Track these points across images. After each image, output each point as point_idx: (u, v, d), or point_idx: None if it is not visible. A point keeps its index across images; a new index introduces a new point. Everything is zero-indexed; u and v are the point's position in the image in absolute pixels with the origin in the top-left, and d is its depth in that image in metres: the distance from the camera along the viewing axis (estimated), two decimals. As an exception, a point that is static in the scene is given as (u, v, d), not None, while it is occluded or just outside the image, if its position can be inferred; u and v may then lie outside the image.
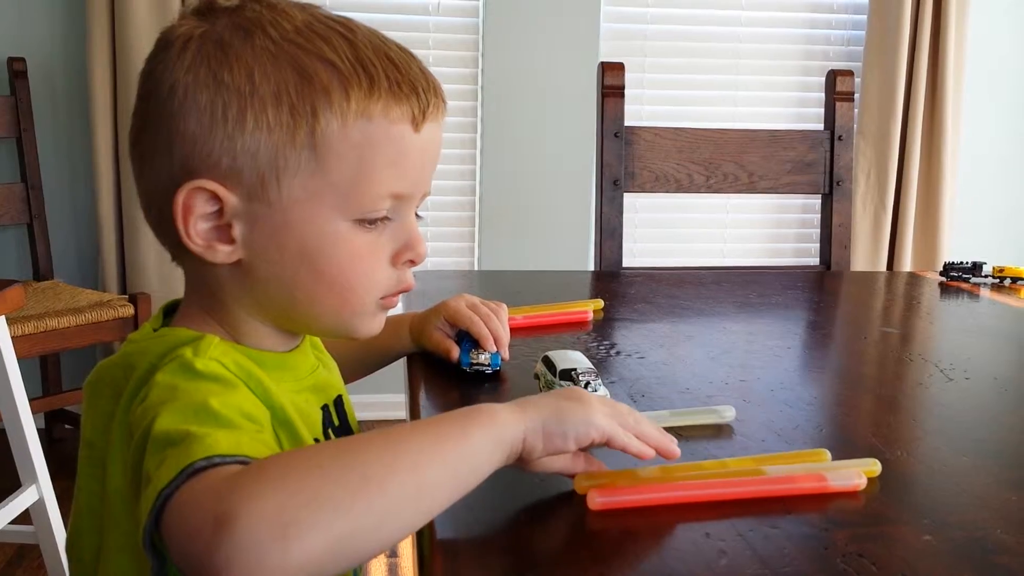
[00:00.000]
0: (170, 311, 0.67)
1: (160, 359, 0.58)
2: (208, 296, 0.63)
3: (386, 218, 0.62)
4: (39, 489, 1.59)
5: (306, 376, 0.67)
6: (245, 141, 0.57)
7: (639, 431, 0.58)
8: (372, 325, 0.65)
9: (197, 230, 0.59)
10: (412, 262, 0.64)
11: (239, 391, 0.57)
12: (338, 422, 0.70)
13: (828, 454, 0.64)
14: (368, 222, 0.61)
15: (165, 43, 0.61)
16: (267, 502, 0.43)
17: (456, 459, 0.50)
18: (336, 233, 0.60)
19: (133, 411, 0.55)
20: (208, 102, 0.58)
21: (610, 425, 0.57)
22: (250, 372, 0.60)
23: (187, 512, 0.45)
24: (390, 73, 0.59)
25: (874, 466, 0.63)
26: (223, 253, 0.59)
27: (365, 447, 0.48)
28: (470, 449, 0.51)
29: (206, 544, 0.42)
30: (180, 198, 0.58)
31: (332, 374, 0.73)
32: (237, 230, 0.59)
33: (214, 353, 0.58)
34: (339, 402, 0.71)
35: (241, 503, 0.43)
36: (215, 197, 0.58)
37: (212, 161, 0.58)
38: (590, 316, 1.06)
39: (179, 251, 0.62)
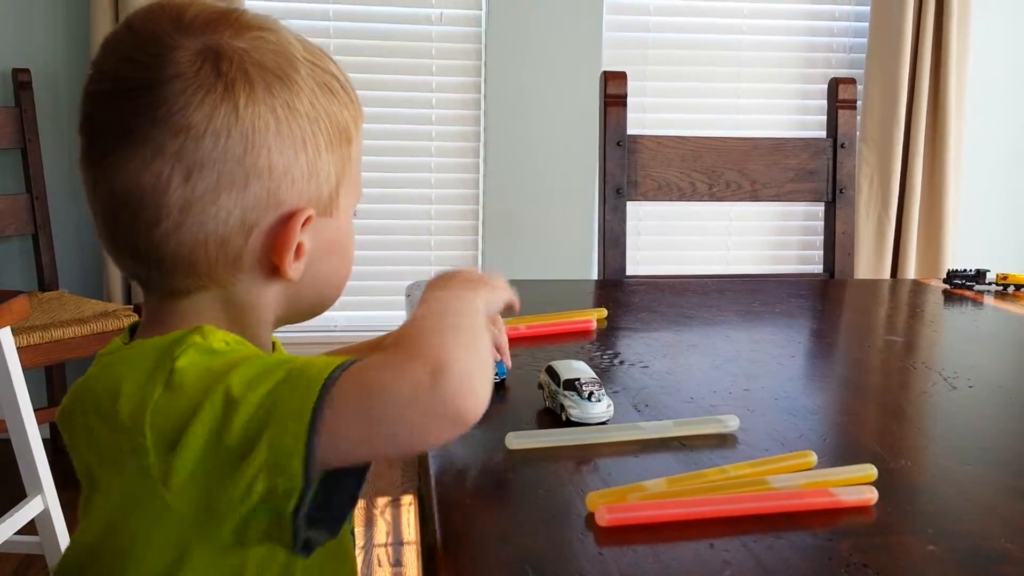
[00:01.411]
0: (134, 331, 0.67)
1: (159, 358, 0.57)
2: (236, 312, 0.64)
3: None
4: (44, 499, 1.59)
5: None
6: (321, 163, 0.63)
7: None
8: None
9: (290, 257, 0.62)
10: None
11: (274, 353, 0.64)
12: None
13: (814, 455, 0.65)
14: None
15: (180, 74, 0.58)
16: (458, 352, 0.55)
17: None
18: (352, 226, 0.69)
19: (155, 410, 0.55)
20: (289, 133, 0.61)
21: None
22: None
23: (380, 386, 0.54)
24: (350, 82, 0.68)
25: (870, 471, 0.63)
26: (296, 270, 0.63)
27: (451, 318, 0.61)
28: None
29: (429, 391, 0.53)
30: (291, 230, 0.62)
31: None
32: (307, 245, 0.63)
33: (219, 335, 0.60)
34: None
35: (444, 357, 0.54)
36: (307, 221, 0.63)
37: (300, 188, 0.62)
38: (594, 325, 1.06)
39: (215, 280, 0.63)
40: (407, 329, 0.60)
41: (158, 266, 0.62)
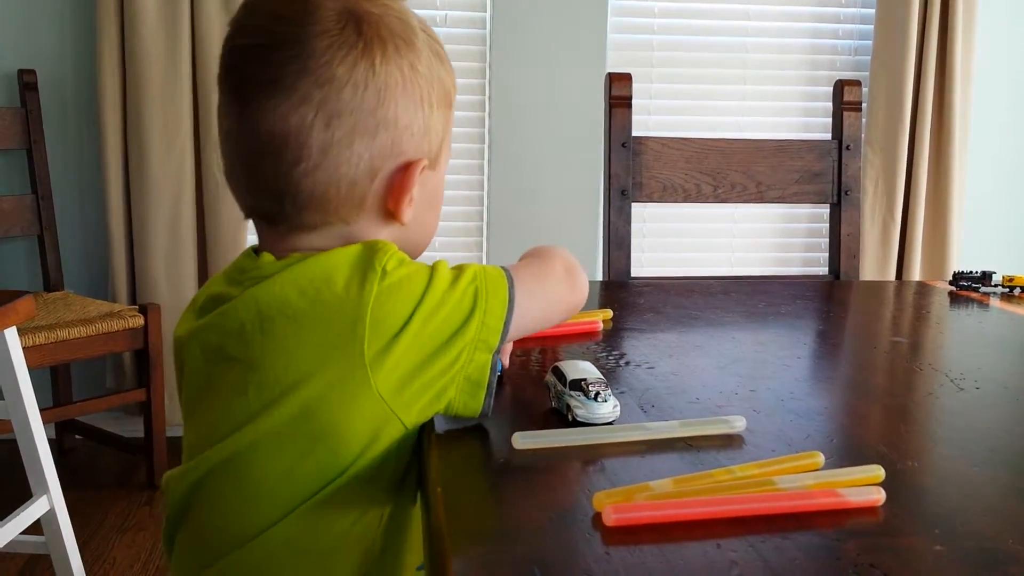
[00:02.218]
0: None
1: (362, 264, 0.66)
2: None
3: None
4: (50, 499, 1.60)
5: None
6: (434, 120, 0.72)
7: None
8: None
9: (407, 202, 0.71)
10: None
11: None
12: None
13: (821, 456, 0.65)
14: None
15: (326, 31, 0.67)
16: (572, 263, 0.82)
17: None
18: (444, 179, 0.79)
19: (377, 304, 0.64)
20: (410, 90, 0.70)
21: None
22: None
23: (544, 274, 0.78)
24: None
25: (877, 471, 0.63)
26: (409, 215, 0.72)
27: (545, 269, 0.80)
28: None
29: (570, 278, 0.80)
30: (411, 177, 0.71)
31: None
32: (416, 193, 0.72)
33: (396, 248, 0.70)
34: None
35: (566, 263, 0.81)
36: (422, 170, 0.71)
37: (417, 141, 0.71)
38: (599, 326, 1.06)
39: (341, 218, 0.71)
40: (534, 251, 0.83)
41: (292, 202, 0.69)
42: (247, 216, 0.75)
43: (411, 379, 0.66)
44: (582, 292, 0.81)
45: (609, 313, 1.11)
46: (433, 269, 0.69)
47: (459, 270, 0.70)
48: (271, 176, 0.69)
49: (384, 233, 0.73)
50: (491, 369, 0.69)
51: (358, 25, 0.68)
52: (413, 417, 0.67)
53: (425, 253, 2.68)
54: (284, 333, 0.65)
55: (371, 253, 0.67)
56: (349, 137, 0.68)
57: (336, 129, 0.67)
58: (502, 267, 0.73)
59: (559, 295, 0.78)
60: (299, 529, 0.67)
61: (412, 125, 0.70)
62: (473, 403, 0.69)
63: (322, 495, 0.66)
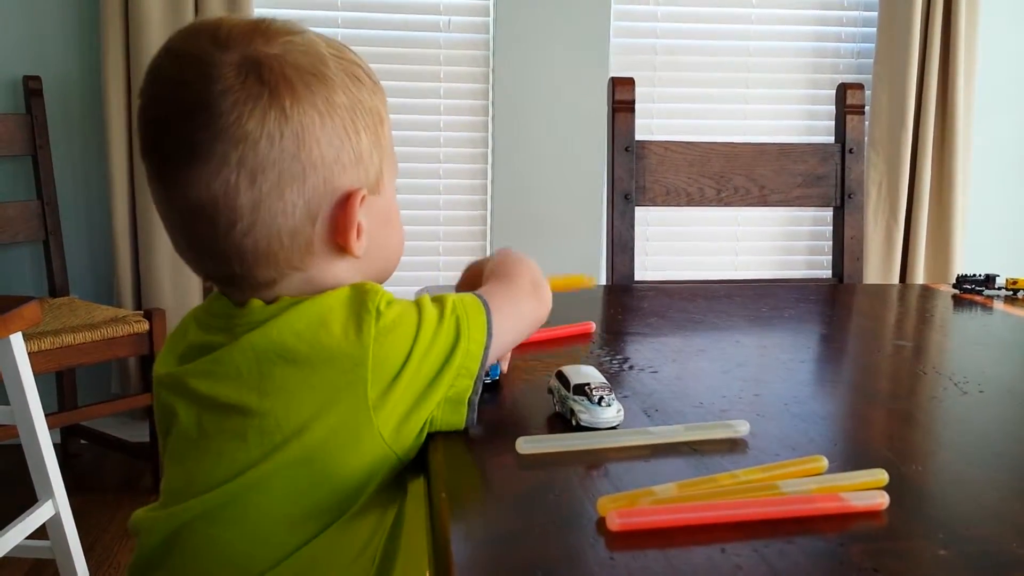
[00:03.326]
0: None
1: (355, 306, 0.67)
2: (316, 293, 0.70)
3: None
4: (55, 504, 1.60)
5: None
6: (364, 147, 0.70)
7: None
8: None
9: (353, 235, 0.70)
10: None
11: None
12: None
13: (825, 460, 0.65)
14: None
15: (228, 86, 0.64)
16: (537, 278, 0.84)
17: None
18: (395, 197, 0.78)
19: (378, 344, 0.65)
20: (332, 126, 0.68)
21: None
22: None
23: (515, 295, 0.80)
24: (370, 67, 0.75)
25: (881, 476, 0.63)
26: (360, 246, 0.71)
27: (514, 288, 0.81)
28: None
29: (537, 295, 0.82)
30: (351, 210, 0.69)
31: None
32: (364, 223, 0.71)
33: (381, 288, 0.70)
34: None
35: (532, 278, 0.83)
36: (362, 201, 0.70)
37: (351, 173, 0.70)
38: (593, 328, 1.07)
39: (291, 266, 0.70)
40: (500, 263, 0.84)
41: (240, 263, 0.68)
42: (206, 280, 0.75)
43: (408, 416, 0.67)
44: (548, 304, 0.83)
45: (592, 280, 1.06)
46: (420, 306, 0.69)
47: (440, 303, 0.71)
48: (211, 242, 0.68)
49: (343, 268, 0.72)
50: (474, 389, 0.70)
51: (259, 73, 0.65)
52: (406, 451, 0.69)
53: (430, 258, 2.67)
54: (284, 378, 0.65)
55: (362, 295, 0.68)
56: (278, 189, 0.66)
57: (262, 184, 0.66)
58: (476, 294, 0.74)
59: (529, 312, 0.80)
60: (296, 571, 0.66)
61: (341, 158, 0.69)
62: (455, 419, 0.70)
63: (321, 536, 0.67)
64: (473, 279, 0.88)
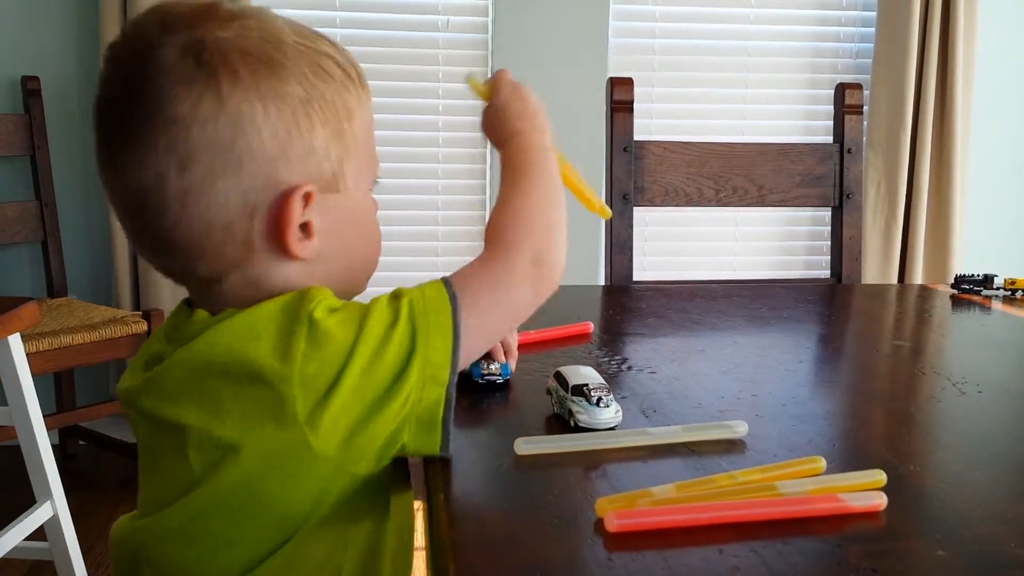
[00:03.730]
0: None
1: (288, 316, 0.61)
2: (265, 297, 0.65)
3: None
4: (54, 505, 1.60)
5: None
6: (317, 141, 0.65)
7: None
8: None
9: (294, 234, 0.64)
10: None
11: None
12: None
13: (823, 461, 0.65)
14: (375, 183, 0.73)
15: (169, 67, 0.61)
16: (547, 238, 0.71)
17: (556, 176, 0.78)
18: (370, 201, 0.73)
19: (305, 358, 0.59)
20: (277, 115, 0.63)
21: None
22: None
23: (498, 281, 0.68)
24: (352, 60, 0.70)
25: (879, 476, 0.63)
26: (310, 249, 0.66)
27: (536, 197, 0.74)
28: (554, 168, 0.79)
29: (536, 278, 0.69)
30: (289, 208, 0.63)
31: None
32: (316, 223, 0.65)
33: (328, 292, 0.65)
34: None
35: (540, 246, 0.70)
36: (307, 198, 0.64)
37: (297, 168, 0.64)
38: (591, 328, 1.07)
39: (234, 265, 0.65)
40: (500, 218, 0.72)
41: (174, 255, 0.65)
42: (164, 275, 0.70)
43: (357, 431, 0.61)
44: (551, 281, 0.70)
45: (607, 213, 1.01)
46: (367, 311, 0.63)
47: (396, 303, 0.63)
48: (147, 231, 0.65)
49: (294, 271, 0.67)
50: (446, 405, 0.63)
51: (199, 55, 0.61)
52: (365, 467, 0.63)
53: (428, 259, 2.65)
54: (216, 393, 0.61)
55: (299, 303, 0.62)
56: (210, 178, 0.62)
57: (194, 172, 0.62)
58: (446, 283, 0.65)
59: (521, 298, 0.69)
60: None
61: (287, 152, 0.63)
62: (429, 444, 0.64)
63: (278, 553, 0.63)
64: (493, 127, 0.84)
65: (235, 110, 0.61)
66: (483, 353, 0.74)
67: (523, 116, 0.82)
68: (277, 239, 0.64)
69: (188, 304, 0.70)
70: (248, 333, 0.61)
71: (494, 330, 0.70)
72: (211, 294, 0.67)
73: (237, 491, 0.62)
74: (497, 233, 0.71)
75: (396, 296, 0.64)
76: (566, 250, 0.72)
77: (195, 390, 0.62)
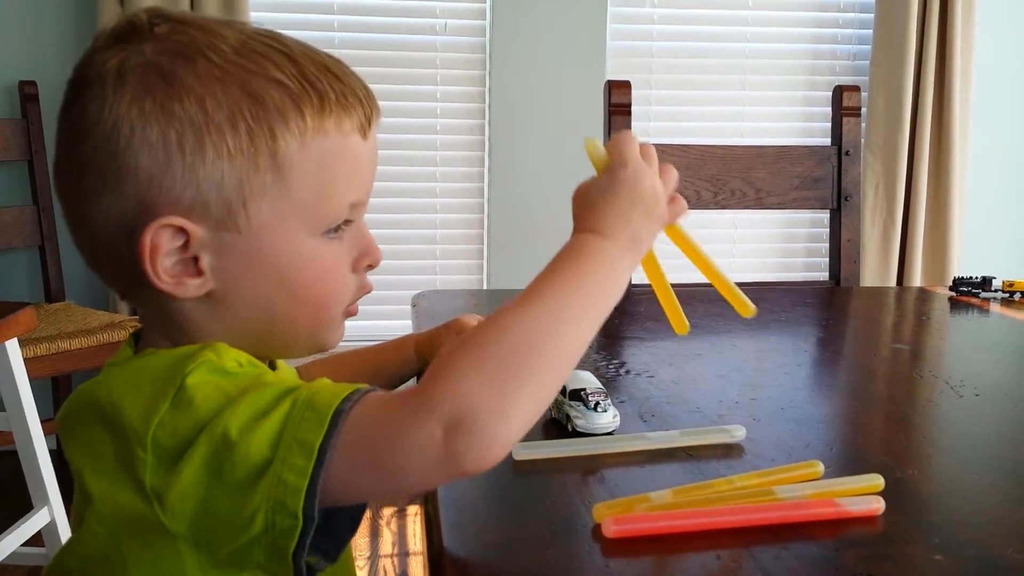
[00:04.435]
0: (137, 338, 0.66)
1: (171, 372, 0.55)
2: (175, 330, 0.61)
3: (348, 221, 0.62)
4: (51, 511, 1.60)
5: None
6: (207, 171, 0.57)
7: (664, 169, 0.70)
8: (338, 335, 0.65)
9: (164, 267, 0.57)
10: (371, 266, 0.65)
11: (277, 372, 0.60)
12: None
13: (821, 465, 0.65)
14: (333, 230, 0.61)
15: (93, 77, 0.58)
16: (479, 401, 0.50)
17: (599, 310, 0.59)
18: (306, 250, 0.60)
19: (160, 424, 0.53)
20: (160, 136, 0.56)
21: (661, 184, 0.71)
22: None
23: (391, 437, 0.51)
24: (335, 85, 0.60)
25: (877, 480, 0.63)
26: (192, 287, 0.58)
27: (529, 325, 0.55)
28: (606, 299, 0.60)
29: (441, 449, 0.49)
30: (147, 237, 0.56)
31: None
32: (205, 261, 0.58)
33: (232, 354, 0.57)
34: None
35: (467, 408, 0.50)
36: (181, 231, 0.57)
37: (174, 195, 0.57)
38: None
39: (133, 288, 0.61)
40: (473, 335, 0.54)
41: (95, 270, 0.63)
42: None
43: (203, 518, 0.53)
44: (473, 460, 0.50)
45: None
46: (252, 386, 0.54)
47: (283, 394, 0.53)
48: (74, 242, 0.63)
49: (197, 312, 0.60)
50: (298, 542, 0.51)
51: (120, 68, 0.58)
52: (225, 556, 0.54)
53: (427, 262, 2.63)
54: (95, 437, 0.57)
55: (184, 360, 0.55)
56: (97, 191, 0.58)
57: (84, 183, 0.58)
58: (349, 400, 0.52)
59: (409, 469, 0.51)
60: None
61: (164, 177, 0.56)
62: (281, 569, 0.52)
63: None
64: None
65: (118, 122, 0.57)
66: (362, 503, 0.56)
67: (618, 211, 0.67)
68: (144, 270, 0.57)
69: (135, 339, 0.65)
70: (133, 384, 0.57)
71: (361, 488, 0.53)
72: (142, 320, 0.64)
73: (120, 540, 0.56)
74: (447, 357, 0.53)
75: (289, 392, 0.53)
76: (527, 422, 0.51)
77: (78, 433, 0.59)
